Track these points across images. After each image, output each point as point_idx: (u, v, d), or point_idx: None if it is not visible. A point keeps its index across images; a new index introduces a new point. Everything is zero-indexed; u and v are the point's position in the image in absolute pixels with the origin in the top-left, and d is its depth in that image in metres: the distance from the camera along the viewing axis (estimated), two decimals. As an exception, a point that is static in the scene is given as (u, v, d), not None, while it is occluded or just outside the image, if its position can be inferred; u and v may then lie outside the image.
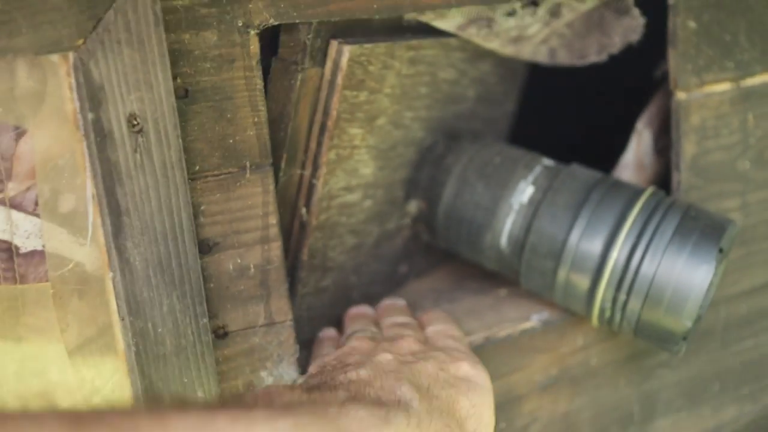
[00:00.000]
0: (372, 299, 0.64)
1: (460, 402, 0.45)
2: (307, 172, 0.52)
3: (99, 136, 0.40)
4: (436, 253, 0.71)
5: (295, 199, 0.53)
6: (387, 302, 0.60)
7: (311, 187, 0.52)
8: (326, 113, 0.50)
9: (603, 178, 0.58)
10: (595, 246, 0.55)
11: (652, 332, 0.54)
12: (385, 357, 0.46)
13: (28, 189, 0.42)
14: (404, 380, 0.43)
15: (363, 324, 0.55)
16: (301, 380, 0.50)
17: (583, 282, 0.55)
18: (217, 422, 0.31)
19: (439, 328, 0.54)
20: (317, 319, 0.58)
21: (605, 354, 0.63)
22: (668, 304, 0.52)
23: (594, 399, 0.64)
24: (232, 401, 0.36)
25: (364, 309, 0.59)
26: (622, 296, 0.54)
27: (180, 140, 0.42)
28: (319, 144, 0.51)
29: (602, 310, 0.55)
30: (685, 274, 0.52)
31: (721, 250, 0.52)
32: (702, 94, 0.61)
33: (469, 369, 0.48)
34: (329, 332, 0.56)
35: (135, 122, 0.40)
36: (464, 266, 0.71)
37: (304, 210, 0.52)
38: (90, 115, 0.39)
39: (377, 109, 0.54)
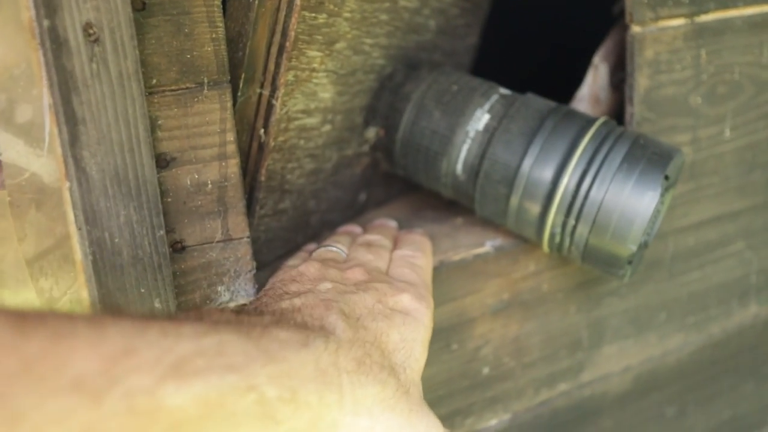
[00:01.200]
0: (331, 226, 0.66)
1: (389, 335, 0.45)
2: (266, 93, 0.52)
3: (55, 44, 0.40)
4: (395, 183, 0.72)
5: (253, 120, 0.53)
6: (378, 222, 0.62)
7: (269, 108, 0.53)
8: (284, 34, 0.51)
9: (557, 108, 0.59)
10: (547, 173, 0.56)
11: (599, 257, 0.56)
12: (324, 286, 0.47)
13: (-15, 97, 0.42)
14: (334, 309, 0.44)
15: (336, 241, 0.56)
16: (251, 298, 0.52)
17: (534, 208, 0.57)
18: (148, 332, 0.32)
19: (405, 252, 0.56)
20: (275, 241, 0.59)
21: (556, 280, 0.65)
22: (614, 229, 0.54)
23: (544, 324, 0.66)
24: (164, 317, 0.37)
25: (352, 227, 0.62)
26: (571, 221, 0.56)
27: (137, 51, 0.42)
28: (278, 65, 0.51)
29: (552, 236, 0.57)
30: (632, 200, 0.54)
31: (667, 177, 0.54)
32: (656, 28, 0.62)
33: (408, 302, 0.48)
34: (309, 246, 0.59)
35: (91, 31, 0.40)
36: (422, 196, 0.73)
37: (262, 131, 0.53)
38: (45, 22, 0.39)
39: (336, 32, 0.54)
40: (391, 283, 0.50)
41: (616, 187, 0.54)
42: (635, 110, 0.64)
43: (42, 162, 0.44)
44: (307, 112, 0.56)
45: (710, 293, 0.75)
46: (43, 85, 0.42)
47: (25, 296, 0.46)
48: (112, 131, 0.42)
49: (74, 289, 0.47)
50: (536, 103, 0.59)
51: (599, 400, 0.72)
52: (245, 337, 0.37)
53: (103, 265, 0.44)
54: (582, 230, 0.55)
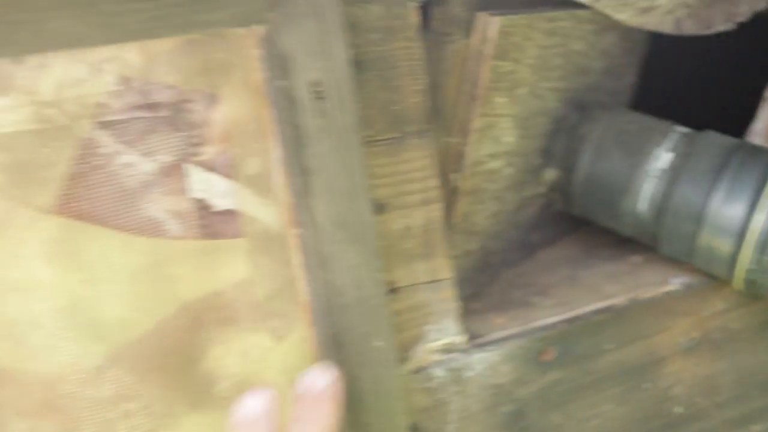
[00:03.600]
0: (508, 265, 0.67)
1: None
2: (456, 140, 0.55)
3: (287, 102, 0.44)
4: (565, 223, 0.73)
5: (445, 166, 0.56)
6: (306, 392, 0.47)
7: (461, 154, 0.55)
8: (475, 83, 0.53)
9: (741, 143, 0.59)
10: (738, 209, 0.56)
11: (800, 290, 0.55)
12: None
13: (221, 152, 0.46)
14: None
15: None
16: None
17: (725, 246, 0.57)
18: None
19: None
20: (463, 281, 0.60)
21: (744, 318, 0.64)
22: (817, 258, 0.53)
23: (735, 363, 0.65)
24: None
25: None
26: (767, 258, 0.55)
27: (356, 106, 0.46)
28: (468, 112, 0.54)
29: (746, 273, 0.57)
30: (834, 228, 0.53)
31: None
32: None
33: None
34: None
35: (318, 89, 0.44)
36: (592, 235, 0.73)
37: (455, 176, 0.55)
38: (279, 83, 0.43)
39: (519, 79, 0.57)
40: None
41: (817, 216, 0.53)
42: (818, 140, 0.63)
43: (269, 210, 0.48)
44: (493, 156, 0.58)
45: None
46: (272, 139, 0.46)
47: (258, 337, 0.49)
48: (336, 180, 0.46)
49: (300, 328, 0.50)
50: (719, 139, 0.60)
51: (795, 441, 0.69)
52: None
53: (329, 305, 0.47)
54: (781, 265, 0.55)
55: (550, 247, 0.72)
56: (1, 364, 0.44)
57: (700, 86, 0.85)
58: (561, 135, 0.64)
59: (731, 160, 0.57)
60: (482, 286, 0.64)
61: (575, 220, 0.70)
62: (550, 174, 0.64)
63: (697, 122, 0.63)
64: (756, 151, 0.58)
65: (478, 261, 0.62)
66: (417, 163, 0.50)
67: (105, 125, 0.43)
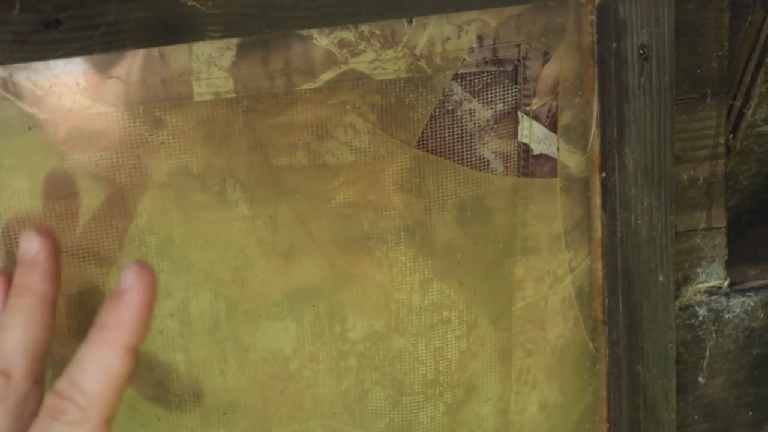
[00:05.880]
0: (752, 226, 0.71)
1: None
2: (739, 103, 0.60)
3: (616, 62, 0.50)
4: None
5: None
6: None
7: (740, 116, 0.60)
8: (765, 51, 0.58)
9: None
10: None
11: None
12: None
13: (544, 104, 0.54)
14: None
15: None
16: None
17: None
18: None
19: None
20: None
21: None
22: None
23: None
24: None
25: None
26: None
27: (673, 68, 0.52)
28: (754, 78, 0.59)
29: None
30: None
31: None
32: None
33: None
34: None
35: (642, 51, 0.50)
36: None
37: (731, 136, 0.61)
38: (614, 45, 0.50)
39: (801, 49, 0.61)
40: None
41: None
42: None
43: (573, 157, 0.55)
44: (765, 120, 0.63)
45: None
46: (594, 95, 0.53)
47: (553, 266, 0.57)
48: (647, 132, 0.52)
49: (588, 262, 0.57)
50: None
51: None
52: None
53: (625, 241, 0.54)
54: None
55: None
56: (350, 271, 0.54)
57: None
58: (825, 103, 0.68)
59: None
60: (730, 242, 0.69)
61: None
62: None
63: None
64: None
65: (732, 218, 0.67)
66: (710, 121, 0.56)
67: (459, 77, 0.51)
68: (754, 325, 0.62)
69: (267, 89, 0.48)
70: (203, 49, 0.46)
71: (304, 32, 0.48)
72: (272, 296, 0.52)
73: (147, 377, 0.51)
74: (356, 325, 0.54)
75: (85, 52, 0.41)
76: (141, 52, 0.46)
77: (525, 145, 0.54)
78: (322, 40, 0.48)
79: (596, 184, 0.54)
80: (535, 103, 0.53)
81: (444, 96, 0.51)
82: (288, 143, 0.50)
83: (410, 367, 0.55)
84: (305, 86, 0.49)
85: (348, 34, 0.49)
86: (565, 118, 0.54)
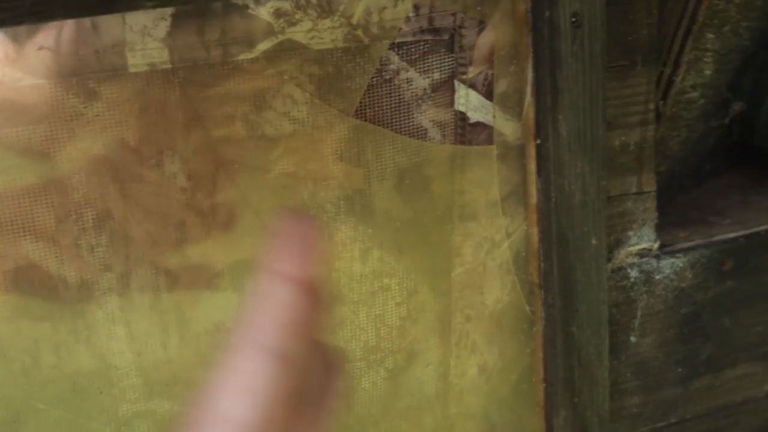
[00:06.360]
0: (683, 190, 0.74)
1: None
2: (668, 70, 0.62)
3: (548, 30, 0.51)
4: (733, 156, 0.79)
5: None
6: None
7: (670, 83, 0.62)
8: (693, 20, 0.60)
9: None
10: None
11: None
12: None
13: (480, 73, 0.54)
14: None
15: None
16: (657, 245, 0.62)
17: None
18: None
19: None
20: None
21: None
22: None
23: None
24: None
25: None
26: None
27: (605, 35, 0.53)
28: (682, 46, 0.61)
29: None
30: None
31: None
32: None
33: None
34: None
35: (575, 19, 0.51)
36: (756, 169, 0.79)
37: (661, 102, 0.62)
38: (546, 13, 0.51)
39: (726, 17, 0.63)
40: None
41: None
42: None
43: (509, 125, 0.56)
44: (693, 87, 0.65)
45: None
46: (528, 62, 0.54)
47: (490, 232, 0.58)
48: (579, 99, 0.53)
49: (524, 227, 0.59)
50: None
51: None
52: None
53: (559, 206, 0.55)
54: None
55: (719, 178, 0.78)
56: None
57: None
58: (750, 71, 0.70)
59: None
60: (662, 206, 0.71)
61: (740, 154, 0.76)
62: (738, 106, 0.71)
63: None
64: None
65: (663, 182, 0.69)
66: (640, 88, 0.57)
67: (396, 46, 0.52)
68: (683, 285, 0.64)
69: (203, 60, 0.48)
70: (137, 19, 0.46)
71: (240, 1, 0.47)
72: (213, 268, 0.52)
73: (87, 351, 0.51)
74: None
75: (15, 23, 0.41)
76: (73, 23, 0.45)
77: (462, 113, 0.55)
78: (258, 10, 0.48)
79: (531, 151, 0.55)
80: (471, 72, 0.54)
81: (381, 65, 0.52)
82: (226, 114, 0.50)
83: (352, 334, 0.56)
84: (242, 56, 0.49)
85: (284, 4, 0.48)
86: (500, 86, 0.55)
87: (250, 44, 0.49)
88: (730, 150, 0.77)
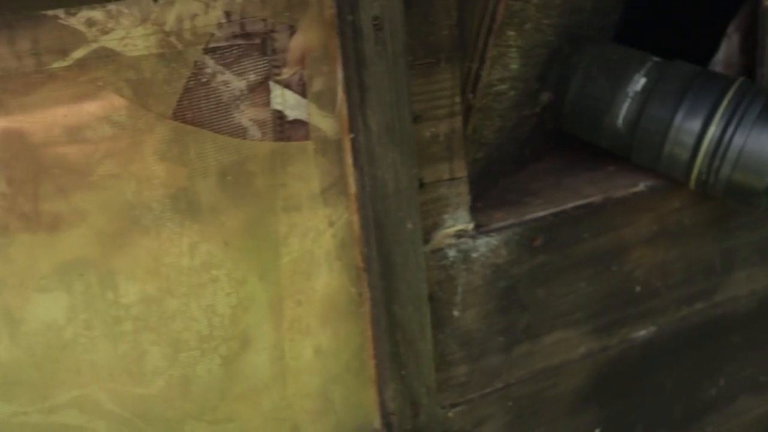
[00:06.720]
0: (505, 175, 0.80)
1: None
2: (475, 65, 0.67)
3: (352, 33, 0.55)
4: (552, 141, 0.86)
5: (463, 87, 0.68)
6: None
7: (477, 78, 0.67)
8: (493, 18, 0.65)
9: (703, 71, 0.72)
10: (696, 124, 0.70)
11: (740, 192, 0.69)
12: None
13: (294, 73, 0.58)
14: None
15: None
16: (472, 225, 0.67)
17: (684, 153, 0.71)
18: None
19: None
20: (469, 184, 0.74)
21: (696, 215, 0.79)
22: (754, 167, 0.67)
23: (685, 252, 0.80)
24: None
25: None
26: (716, 163, 0.69)
27: (405, 36, 0.57)
28: (486, 43, 0.66)
29: (699, 175, 0.71)
30: (770, 143, 0.67)
31: (798, 125, 0.67)
32: (784, 2, 0.74)
33: None
34: None
35: (376, 22, 0.56)
36: (574, 152, 0.87)
37: (471, 95, 0.68)
38: (349, 17, 0.55)
39: (526, 16, 0.69)
40: None
41: (756, 132, 0.67)
42: (765, 71, 0.76)
43: (327, 121, 0.60)
44: (501, 80, 0.71)
45: (826, 229, 0.87)
46: (337, 63, 0.57)
47: (314, 222, 0.62)
48: (386, 95, 0.58)
49: (346, 216, 0.63)
50: (684, 67, 0.73)
51: (729, 318, 0.85)
52: None
53: (374, 194, 0.60)
54: (726, 170, 0.69)
55: (539, 162, 0.85)
56: (118, 240, 0.56)
57: (676, 22, 0.98)
58: (556, 64, 0.76)
59: (693, 84, 0.70)
60: (484, 190, 0.77)
61: (560, 140, 0.83)
62: (545, 96, 0.77)
63: (674, 55, 0.76)
64: (714, 77, 0.71)
65: (482, 168, 0.75)
66: (446, 83, 0.62)
67: (210, 51, 0.54)
68: (499, 261, 0.70)
69: (15, 69, 0.49)
70: (-58, 31, 0.47)
71: (50, 12, 0.49)
72: (40, 269, 0.54)
73: None
74: (129, 291, 0.57)
75: None
76: None
77: (279, 111, 0.58)
78: (69, 20, 0.50)
79: (347, 145, 0.60)
80: (286, 73, 0.57)
81: (197, 69, 0.54)
82: (44, 121, 0.51)
83: (185, 325, 0.59)
84: (56, 65, 0.50)
85: (95, 13, 0.50)
86: (316, 86, 0.59)
87: (64, 53, 0.50)
88: (550, 136, 0.84)
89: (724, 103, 0.69)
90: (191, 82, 0.55)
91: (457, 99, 0.63)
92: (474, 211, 0.71)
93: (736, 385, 0.89)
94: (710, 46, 0.83)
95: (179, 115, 0.55)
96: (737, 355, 0.88)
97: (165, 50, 0.53)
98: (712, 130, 0.69)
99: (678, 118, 0.70)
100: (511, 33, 0.68)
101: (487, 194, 0.77)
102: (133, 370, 0.58)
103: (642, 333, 0.80)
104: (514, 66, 0.71)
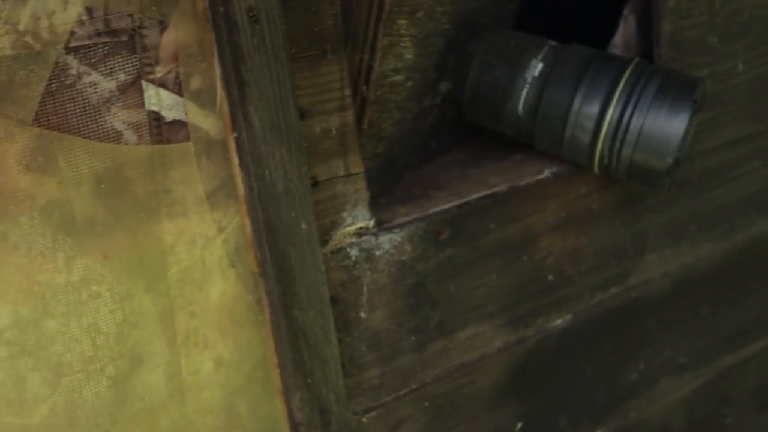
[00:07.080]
0: (410, 168, 0.78)
1: None
2: (366, 57, 0.65)
3: (228, 25, 0.52)
4: (458, 132, 0.84)
5: (356, 79, 0.65)
6: None
7: (369, 69, 0.65)
8: (381, 7, 0.63)
9: (599, 53, 0.71)
10: (594, 107, 0.68)
11: (642, 173, 0.68)
12: None
13: (169, 71, 0.55)
14: None
15: None
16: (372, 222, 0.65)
17: (585, 137, 0.69)
18: None
19: None
20: (369, 180, 0.71)
21: (604, 200, 0.78)
22: (654, 147, 0.66)
23: (596, 237, 0.79)
24: None
25: None
26: (617, 145, 0.68)
27: (284, 28, 0.55)
28: (375, 33, 0.64)
29: (601, 158, 0.70)
30: (667, 122, 0.66)
31: (694, 101, 0.66)
32: (676, -19, 0.74)
33: None
34: None
35: (252, 14, 0.53)
36: (481, 142, 0.85)
37: (364, 87, 0.65)
38: (221, 9, 0.52)
39: (417, 3, 0.67)
40: None
41: (654, 112, 0.66)
42: (662, 52, 0.76)
43: (209, 120, 0.57)
44: (396, 71, 0.68)
45: (733, 206, 0.88)
46: (214, 59, 0.54)
47: (203, 228, 0.58)
48: (268, 90, 0.55)
49: (237, 219, 0.60)
50: (581, 50, 0.71)
51: (644, 301, 0.85)
52: None
53: (263, 194, 0.57)
54: (627, 151, 0.68)
55: (446, 153, 0.83)
56: (-12, 254, 0.52)
57: (574, 7, 0.97)
58: (453, 52, 0.75)
59: (590, 67, 0.69)
60: (388, 186, 0.75)
61: (467, 131, 0.81)
62: (444, 86, 0.75)
63: (571, 38, 0.75)
64: (611, 59, 0.70)
65: (384, 163, 0.73)
66: (334, 75, 0.60)
67: (73, 50, 0.51)
68: (404, 258, 0.68)
69: None
70: None
71: None
72: None
73: None
74: (0, 313, 0.53)
75: None
76: None
77: (155, 113, 0.55)
78: None
79: (232, 144, 0.56)
80: (160, 71, 0.54)
81: (59, 70, 0.51)
82: None
83: (66, 347, 0.55)
84: None
85: (-63, 13, 0.46)
86: (193, 83, 0.56)
87: None
88: (455, 127, 0.82)
89: (621, 84, 0.68)
90: (53, 85, 0.51)
91: (347, 92, 0.61)
92: (378, 207, 0.69)
93: (656, 368, 0.89)
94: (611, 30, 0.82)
95: (42, 120, 0.51)
96: (654, 337, 0.88)
97: (20, 51, 0.49)
98: (611, 113, 0.68)
99: (576, 102, 0.69)
100: (402, 22, 0.66)
101: (392, 189, 0.75)
102: (11, 399, 0.54)
103: (558, 322, 0.79)
104: (408, 56, 0.69)
